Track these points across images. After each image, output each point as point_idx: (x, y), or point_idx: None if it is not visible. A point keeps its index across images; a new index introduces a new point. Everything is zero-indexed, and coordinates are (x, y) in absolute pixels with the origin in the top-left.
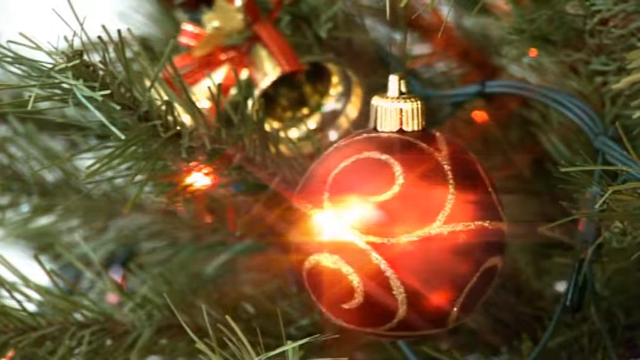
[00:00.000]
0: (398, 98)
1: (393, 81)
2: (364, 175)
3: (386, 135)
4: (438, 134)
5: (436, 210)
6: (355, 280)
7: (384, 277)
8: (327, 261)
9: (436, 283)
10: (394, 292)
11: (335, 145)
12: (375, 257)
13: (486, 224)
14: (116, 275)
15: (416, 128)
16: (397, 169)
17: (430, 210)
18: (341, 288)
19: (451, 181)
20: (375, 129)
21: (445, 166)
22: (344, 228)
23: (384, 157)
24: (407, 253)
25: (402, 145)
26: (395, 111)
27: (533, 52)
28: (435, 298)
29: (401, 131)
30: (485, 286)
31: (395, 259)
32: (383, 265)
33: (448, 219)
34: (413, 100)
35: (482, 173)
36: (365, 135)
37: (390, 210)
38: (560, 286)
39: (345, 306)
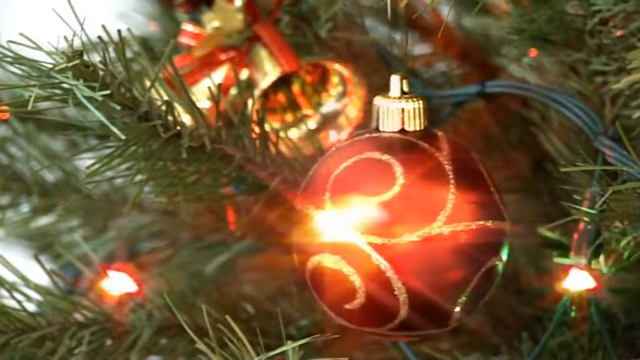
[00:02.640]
0: (400, 98)
1: (395, 81)
2: (365, 176)
3: (387, 135)
4: (440, 134)
5: (437, 210)
6: (357, 280)
7: (385, 277)
8: (329, 262)
9: (438, 284)
10: (395, 293)
11: (337, 145)
12: (376, 258)
13: (488, 224)
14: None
15: (418, 128)
16: (398, 169)
17: (431, 210)
18: (343, 288)
19: (452, 181)
20: (377, 129)
21: (446, 166)
22: (345, 228)
23: (384, 157)
24: (408, 254)
25: (403, 145)
26: (397, 111)
27: (533, 52)
28: (436, 299)
29: (403, 131)
30: (488, 286)
31: (396, 260)
32: (384, 265)
33: (449, 219)
34: (415, 99)
35: (484, 173)
36: (367, 135)
37: (390, 210)
38: (560, 286)
39: (347, 306)
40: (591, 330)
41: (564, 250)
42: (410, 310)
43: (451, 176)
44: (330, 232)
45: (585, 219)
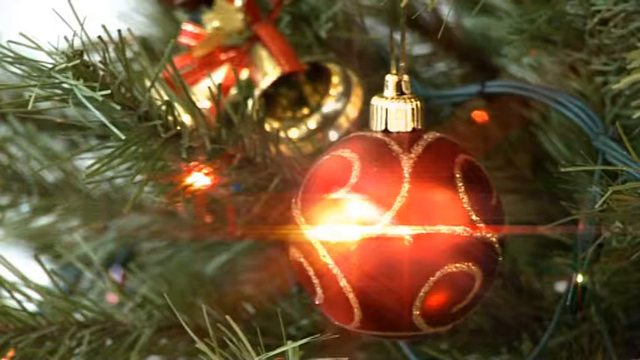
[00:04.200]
0: (391, 98)
1: (390, 81)
2: (328, 173)
3: (369, 134)
4: (427, 136)
5: (384, 210)
6: (314, 277)
7: (332, 275)
8: (296, 254)
9: (383, 285)
10: (344, 292)
11: (331, 144)
12: (324, 255)
13: (442, 229)
14: (116, 275)
15: (404, 129)
16: (356, 168)
17: (377, 210)
18: (308, 284)
19: (405, 183)
20: (371, 129)
21: (405, 168)
22: (305, 225)
23: (347, 154)
24: (352, 253)
25: (373, 145)
26: (382, 110)
27: (533, 52)
28: (384, 300)
29: (386, 131)
30: (456, 292)
31: (341, 258)
32: (331, 263)
33: (395, 220)
34: (406, 100)
35: (459, 180)
36: (352, 134)
37: (340, 208)
38: (561, 286)
39: (316, 301)
40: (591, 330)
41: (564, 250)
42: (362, 310)
43: (406, 178)
44: (297, 228)
45: (585, 219)
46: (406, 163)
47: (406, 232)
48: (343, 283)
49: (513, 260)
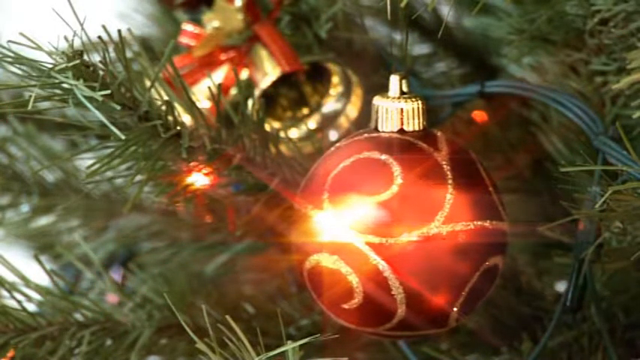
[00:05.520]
0: (399, 98)
1: (394, 81)
2: (363, 175)
3: (386, 135)
4: (439, 134)
5: (435, 210)
6: (354, 280)
7: (382, 277)
8: (327, 261)
9: (435, 284)
10: (393, 293)
11: (336, 145)
12: (374, 258)
13: (486, 224)
14: (116, 275)
15: (417, 128)
16: (396, 169)
17: (429, 210)
18: (340, 288)
19: (450, 181)
20: (375, 129)
21: (444, 166)
22: (343, 228)
23: (383, 157)
24: (405, 254)
25: (402, 145)
26: (396, 111)
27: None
28: (434, 299)
29: (401, 131)
30: (487, 286)
31: (393, 260)
32: (381, 265)
33: (447, 219)
34: (414, 99)
35: (483, 173)
36: (365, 135)
37: (388, 210)
38: (561, 286)
39: (345, 306)
40: (591, 330)
41: (564, 250)
42: (407, 310)
43: (449, 176)
44: (329, 232)
45: (585, 219)
46: (443, 161)
47: (458, 228)
48: (395, 285)
49: (513, 260)
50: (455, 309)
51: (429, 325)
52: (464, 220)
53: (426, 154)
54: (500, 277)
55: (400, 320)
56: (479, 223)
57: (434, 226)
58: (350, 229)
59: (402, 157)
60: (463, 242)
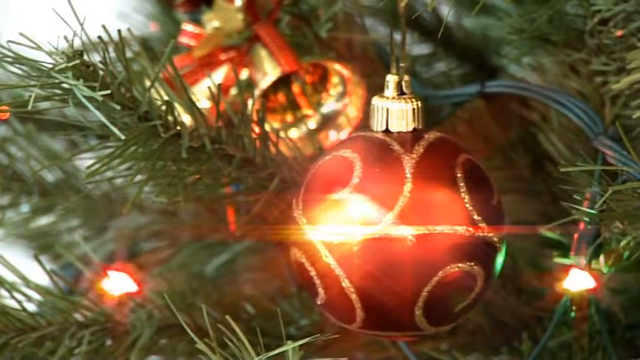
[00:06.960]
0: (391, 98)
1: (389, 81)
2: (329, 173)
3: (369, 135)
4: (427, 136)
5: (386, 210)
6: (316, 278)
7: (334, 275)
8: (296, 254)
9: (387, 285)
10: (346, 292)
11: (332, 144)
12: (326, 255)
13: (444, 229)
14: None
15: (404, 129)
16: (357, 168)
17: (379, 210)
18: (309, 284)
19: (408, 184)
20: (372, 129)
21: (407, 168)
22: (306, 225)
23: (349, 156)
24: (354, 253)
25: (373, 146)
26: (383, 111)
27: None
28: (388, 300)
29: (386, 131)
30: (457, 291)
31: (343, 259)
32: (332, 263)
33: (397, 220)
34: (406, 101)
35: (461, 180)
36: (354, 134)
37: (341, 208)
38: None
39: (317, 301)
40: (591, 330)
41: (564, 250)
42: (365, 311)
43: (408, 178)
44: (299, 229)
45: (585, 219)
46: (408, 163)
47: (408, 232)
48: (345, 283)
49: (513, 260)
50: (417, 313)
51: (397, 327)
52: (417, 224)
53: (393, 155)
54: (500, 277)
55: (363, 320)
56: (436, 227)
57: (383, 227)
58: (310, 226)
59: (366, 158)
60: (414, 246)
